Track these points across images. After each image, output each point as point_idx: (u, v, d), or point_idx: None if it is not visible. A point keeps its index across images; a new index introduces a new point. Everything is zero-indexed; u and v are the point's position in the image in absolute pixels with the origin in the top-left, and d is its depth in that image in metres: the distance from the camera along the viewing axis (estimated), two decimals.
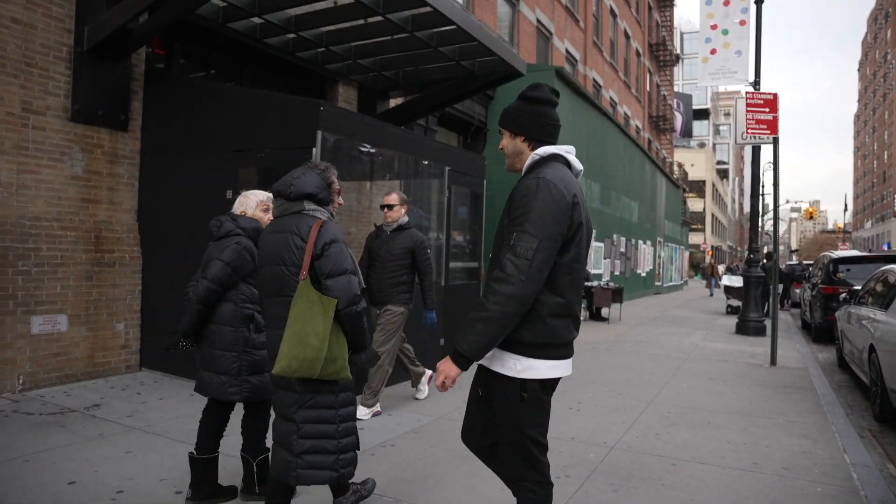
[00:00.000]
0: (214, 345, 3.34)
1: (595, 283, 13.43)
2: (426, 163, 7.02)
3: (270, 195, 3.57)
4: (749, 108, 8.67)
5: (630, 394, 6.47)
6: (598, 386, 6.81)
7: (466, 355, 2.21)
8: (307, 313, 2.57)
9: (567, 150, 2.42)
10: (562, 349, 2.31)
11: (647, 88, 30.72)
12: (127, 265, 6.27)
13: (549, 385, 2.33)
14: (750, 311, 11.64)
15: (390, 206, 5.15)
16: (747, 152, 70.19)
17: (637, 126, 28.26)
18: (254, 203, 3.59)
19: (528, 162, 2.43)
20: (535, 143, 2.44)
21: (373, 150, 6.20)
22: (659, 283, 24.91)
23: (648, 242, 22.93)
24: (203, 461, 3.38)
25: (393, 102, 9.87)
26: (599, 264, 16.94)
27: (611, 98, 23.52)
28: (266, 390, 3.34)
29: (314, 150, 5.27)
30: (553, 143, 2.44)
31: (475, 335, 2.19)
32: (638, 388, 6.78)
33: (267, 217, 3.56)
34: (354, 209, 8.71)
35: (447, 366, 2.24)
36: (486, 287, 2.25)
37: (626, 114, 26.02)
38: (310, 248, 2.68)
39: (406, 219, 5.16)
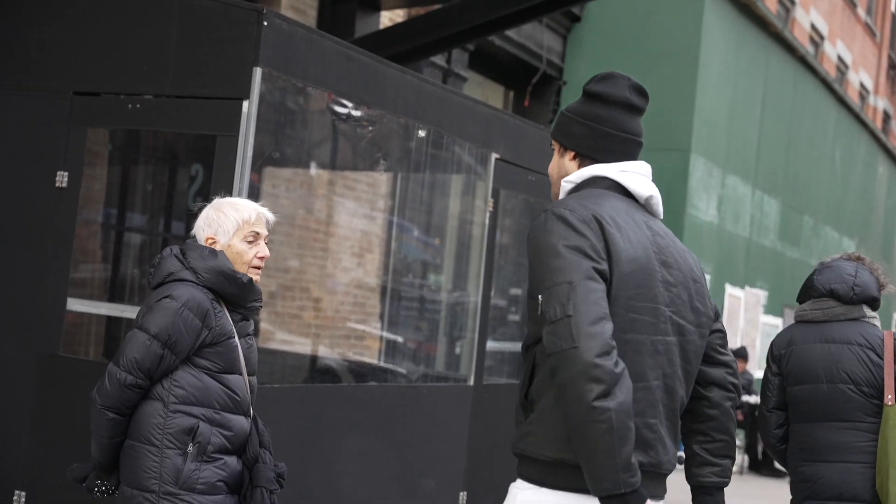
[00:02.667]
0: (124, 477, 3.72)
1: None
2: (442, 135, 7.12)
3: (265, 213, 3.90)
4: None
5: None
6: None
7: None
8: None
9: (623, 170, 2.92)
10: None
11: (893, 7, 31.04)
12: None
13: None
14: None
15: None
16: None
17: (863, 84, 28.53)
18: (232, 225, 3.83)
19: (561, 192, 2.98)
20: (589, 162, 2.95)
21: (356, 113, 6.31)
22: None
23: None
24: None
25: (387, 19, 10.08)
26: None
27: (812, 27, 23.82)
28: None
29: (245, 104, 5.38)
30: (612, 161, 2.93)
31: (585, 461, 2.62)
32: None
33: (253, 254, 3.84)
34: (298, 222, 8.82)
35: None
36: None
37: (840, 59, 26.31)
38: (891, 367, 4.44)
39: None
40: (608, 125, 2.90)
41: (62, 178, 5.88)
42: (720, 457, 2.97)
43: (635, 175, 2.90)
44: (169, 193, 7.95)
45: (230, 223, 3.83)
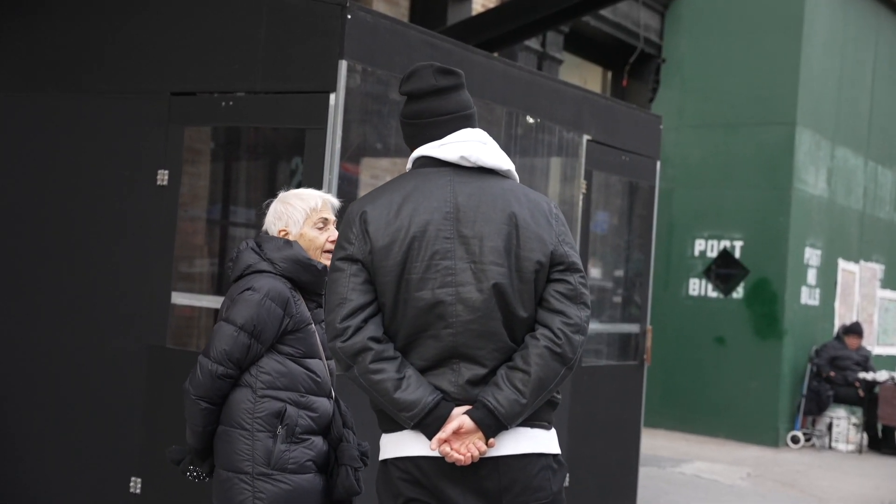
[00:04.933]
0: (219, 460, 3.90)
1: (883, 377, 13.20)
2: (532, 121, 7.16)
3: (330, 199, 4.10)
4: None
5: None
6: None
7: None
8: None
9: (442, 143, 3.27)
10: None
11: None
12: None
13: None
14: None
15: None
16: None
17: None
18: (300, 215, 4.02)
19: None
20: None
21: None
22: None
23: None
24: None
25: (479, 5, 10.16)
26: (891, 337, 16.59)
27: None
28: None
29: (332, 97, 5.50)
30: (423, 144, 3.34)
31: None
32: None
33: (325, 238, 4.04)
34: None
35: None
36: None
37: None
38: None
39: None
40: (426, 116, 3.28)
41: (163, 177, 6.07)
42: (510, 386, 3.07)
43: (451, 145, 3.23)
44: (270, 187, 8.10)
45: (299, 213, 4.01)
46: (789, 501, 9.65)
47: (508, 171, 3.32)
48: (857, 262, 15.25)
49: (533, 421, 3.16)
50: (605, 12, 12.06)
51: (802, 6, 13.27)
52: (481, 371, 3.11)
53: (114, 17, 6.45)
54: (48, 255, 6.49)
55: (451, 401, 3.10)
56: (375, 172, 8.81)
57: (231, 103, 5.98)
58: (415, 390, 3.06)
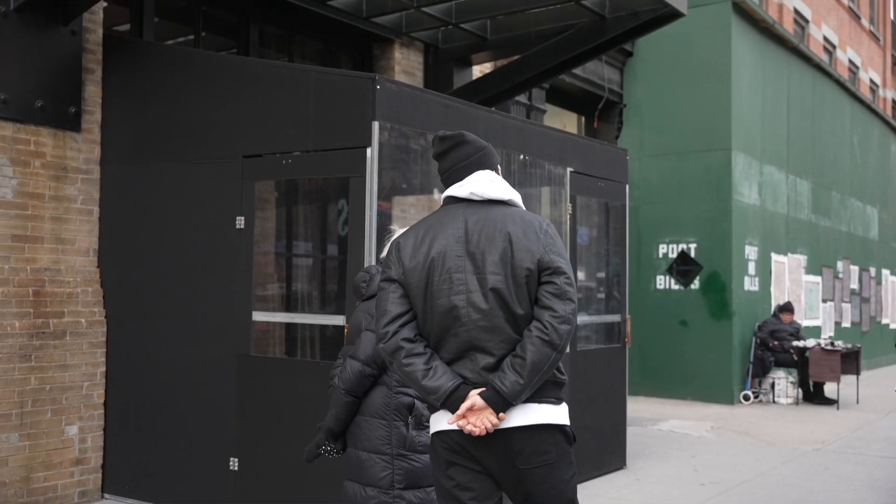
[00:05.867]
0: (359, 444, 3.96)
1: (811, 344, 13.11)
2: (524, 157, 7.13)
3: None
4: None
5: None
6: None
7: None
8: None
9: (460, 185, 3.37)
10: None
11: (891, 15, 29.92)
12: (83, 335, 6.65)
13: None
14: None
15: None
16: None
17: (872, 81, 27.55)
18: None
19: None
20: None
21: None
22: None
23: None
24: None
25: (478, 71, 10.14)
26: (815, 311, 16.49)
27: (825, 39, 23.09)
28: None
29: (368, 150, 5.51)
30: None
31: None
32: None
33: None
34: None
35: None
36: None
37: (851, 62, 25.44)
38: None
39: None
40: (441, 171, 3.44)
41: (240, 222, 6.11)
42: (512, 370, 3.11)
43: (462, 186, 3.34)
44: (323, 224, 8.13)
45: None
46: (746, 446, 9.56)
47: (510, 199, 3.35)
48: (785, 254, 15.14)
49: (540, 397, 3.17)
50: (576, 70, 12.07)
51: (730, 57, 13.24)
52: (492, 360, 3.16)
53: (196, 98, 6.49)
54: (158, 288, 6.56)
55: (472, 385, 3.15)
56: (404, 207, 8.76)
57: (290, 161, 6.01)
58: (439, 378, 3.15)
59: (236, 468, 6.01)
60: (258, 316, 6.21)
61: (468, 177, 3.37)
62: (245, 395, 6.02)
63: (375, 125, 5.52)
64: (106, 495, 6.64)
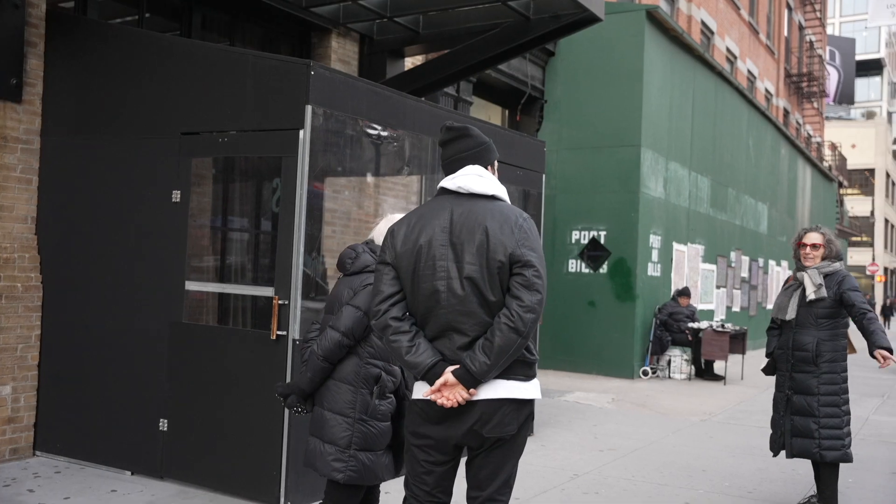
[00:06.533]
0: (325, 404, 4.00)
1: (704, 325, 13.39)
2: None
3: None
4: None
5: (768, 497, 6.41)
6: (715, 480, 6.80)
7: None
8: None
9: (452, 178, 3.42)
10: None
11: (785, 32, 30.62)
12: (19, 299, 6.43)
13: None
14: None
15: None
16: None
17: (767, 90, 28.20)
18: None
19: None
20: None
21: (384, 133, 6.30)
22: None
23: (784, 263, 22.76)
24: None
25: (410, 62, 10.04)
26: (710, 296, 16.86)
27: (727, 49, 23.53)
28: (375, 474, 3.99)
29: (301, 132, 5.41)
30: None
31: None
32: (777, 484, 6.73)
33: None
34: (354, 216, 8.82)
35: None
36: None
37: (749, 72, 25.99)
38: None
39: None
40: (442, 158, 3.51)
41: (176, 195, 5.96)
42: (482, 352, 3.22)
43: (453, 179, 3.40)
44: (258, 201, 8.00)
45: None
46: (642, 417, 9.73)
47: (494, 195, 3.41)
48: (685, 244, 15.42)
49: (508, 375, 3.30)
50: (502, 66, 12.08)
51: (642, 62, 13.37)
52: (466, 339, 3.28)
53: (138, 76, 6.29)
54: (95, 256, 6.36)
55: (448, 362, 3.28)
56: (336, 188, 8.65)
57: (226, 139, 5.86)
58: (420, 354, 3.28)
59: (166, 429, 5.87)
60: (191, 285, 6.06)
61: (460, 170, 3.46)
62: (176, 361, 5.89)
63: (308, 109, 5.42)
64: (37, 453, 6.45)
